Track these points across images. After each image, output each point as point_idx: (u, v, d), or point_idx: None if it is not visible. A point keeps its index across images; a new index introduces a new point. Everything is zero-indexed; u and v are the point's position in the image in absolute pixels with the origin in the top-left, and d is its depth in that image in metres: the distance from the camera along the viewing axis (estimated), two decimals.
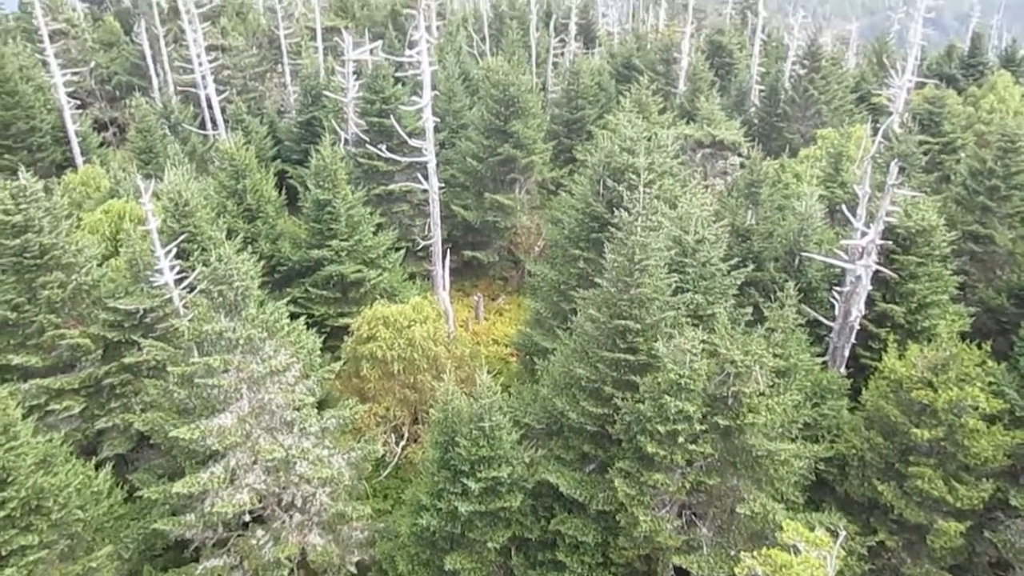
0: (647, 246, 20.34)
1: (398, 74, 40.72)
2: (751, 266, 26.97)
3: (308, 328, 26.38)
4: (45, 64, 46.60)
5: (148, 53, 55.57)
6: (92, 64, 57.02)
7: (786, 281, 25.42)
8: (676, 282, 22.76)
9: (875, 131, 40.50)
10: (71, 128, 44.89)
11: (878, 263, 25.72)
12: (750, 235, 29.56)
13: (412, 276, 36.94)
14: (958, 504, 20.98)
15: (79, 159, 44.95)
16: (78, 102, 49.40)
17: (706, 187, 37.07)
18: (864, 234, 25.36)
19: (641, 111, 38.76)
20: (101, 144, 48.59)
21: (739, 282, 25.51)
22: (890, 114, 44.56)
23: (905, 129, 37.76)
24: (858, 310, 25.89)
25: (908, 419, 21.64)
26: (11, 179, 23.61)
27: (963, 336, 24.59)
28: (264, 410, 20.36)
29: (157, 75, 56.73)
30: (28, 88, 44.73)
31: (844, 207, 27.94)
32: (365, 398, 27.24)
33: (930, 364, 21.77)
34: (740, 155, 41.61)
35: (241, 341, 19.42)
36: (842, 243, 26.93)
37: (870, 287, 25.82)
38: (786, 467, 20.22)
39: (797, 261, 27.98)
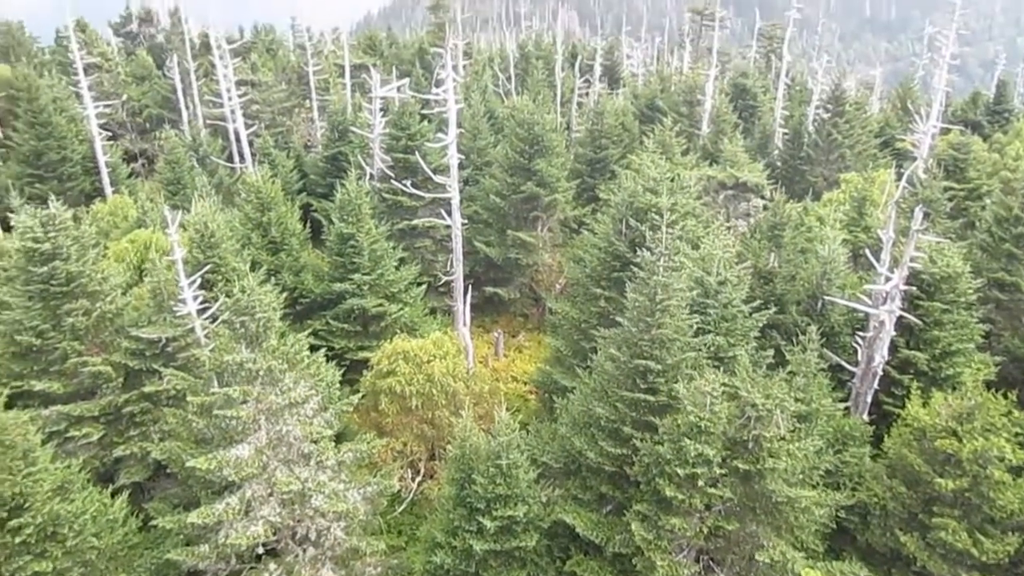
0: (669, 286, 20.28)
1: (424, 111, 41.16)
2: (773, 309, 26.77)
3: (328, 361, 26.39)
4: (78, 96, 47.74)
5: (179, 87, 56.72)
6: (124, 97, 58.19)
7: (808, 325, 25.23)
8: (697, 323, 22.65)
9: (899, 176, 40.37)
10: (101, 159, 45.75)
11: (902, 309, 25.48)
12: (772, 277, 29.43)
13: (433, 311, 36.99)
14: (983, 558, 20.47)
15: (108, 189, 45.73)
16: (109, 133, 50.50)
17: (729, 228, 37.05)
18: (888, 279, 25.17)
19: (664, 152, 38.94)
20: (130, 175, 49.37)
21: (761, 324, 25.36)
22: (914, 159, 44.43)
23: (930, 175, 37.61)
24: (881, 356, 25.60)
25: (932, 468, 21.26)
26: (41, 207, 23.94)
27: (988, 385, 24.21)
28: (282, 442, 20.32)
29: (187, 108, 57.80)
30: (61, 119, 45.82)
31: (868, 252, 27.76)
32: (382, 432, 27.17)
33: (955, 413, 21.45)
34: (763, 197, 41.60)
35: (261, 372, 19.45)
36: (866, 288, 26.72)
37: (894, 333, 25.55)
38: (806, 514, 19.90)
39: (820, 305, 27.78)
